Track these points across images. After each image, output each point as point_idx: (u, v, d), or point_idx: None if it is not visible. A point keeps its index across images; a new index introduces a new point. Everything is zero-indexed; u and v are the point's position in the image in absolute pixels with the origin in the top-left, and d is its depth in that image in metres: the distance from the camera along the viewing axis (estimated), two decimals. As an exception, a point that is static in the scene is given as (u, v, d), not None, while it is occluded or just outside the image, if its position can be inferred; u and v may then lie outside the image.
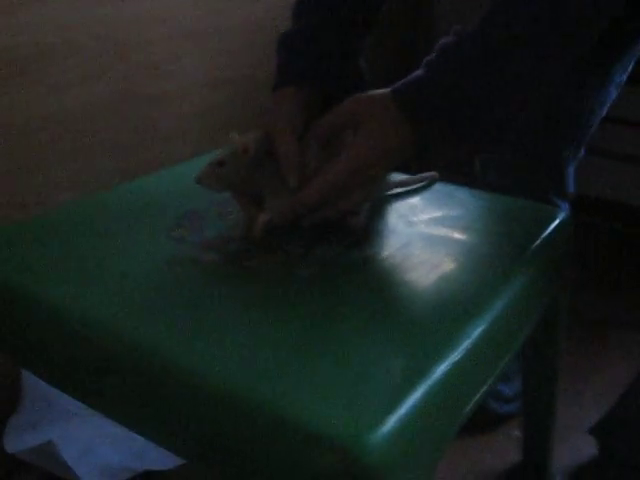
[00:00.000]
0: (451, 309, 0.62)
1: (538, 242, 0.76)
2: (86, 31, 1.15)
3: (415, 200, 0.86)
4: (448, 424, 0.56)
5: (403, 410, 0.49)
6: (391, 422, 0.47)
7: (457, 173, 0.98)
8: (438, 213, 0.82)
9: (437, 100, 0.67)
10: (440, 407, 0.54)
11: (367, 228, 0.78)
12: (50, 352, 0.66)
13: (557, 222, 0.81)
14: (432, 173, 0.92)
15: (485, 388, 0.61)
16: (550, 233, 0.79)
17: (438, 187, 0.90)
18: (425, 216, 0.81)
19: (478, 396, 0.60)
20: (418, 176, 0.91)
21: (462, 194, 0.88)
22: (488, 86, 0.66)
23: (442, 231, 0.78)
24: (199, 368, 0.54)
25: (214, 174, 0.73)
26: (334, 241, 0.74)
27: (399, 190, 0.88)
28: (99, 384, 0.62)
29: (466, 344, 0.57)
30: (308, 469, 0.47)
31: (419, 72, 0.69)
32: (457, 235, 0.77)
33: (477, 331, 0.60)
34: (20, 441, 0.96)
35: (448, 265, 0.70)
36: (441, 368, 0.54)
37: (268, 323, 0.59)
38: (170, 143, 1.33)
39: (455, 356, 0.56)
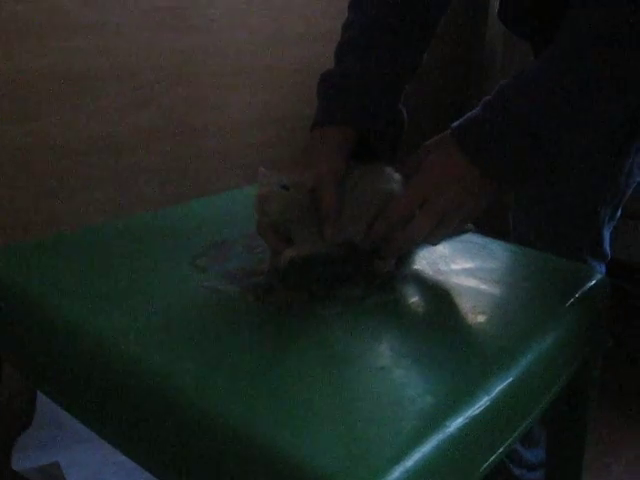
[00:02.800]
0: (472, 362, 0.59)
1: (570, 301, 0.73)
2: (139, 60, 1.18)
3: (446, 249, 0.84)
4: (460, 483, 0.53)
5: (411, 462, 0.46)
6: (396, 473, 0.45)
7: (489, 227, 0.96)
8: (469, 264, 0.80)
9: (500, 139, 0.68)
10: (452, 463, 0.51)
11: (394, 273, 0.76)
12: (60, 372, 0.65)
13: (592, 282, 0.78)
14: (468, 224, 0.90)
15: (503, 449, 0.57)
16: (584, 293, 0.76)
17: (471, 238, 0.88)
18: (455, 266, 0.79)
19: (494, 457, 0.56)
20: (452, 225, 0.89)
21: (495, 247, 0.86)
22: (548, 124, 0.67)
23: (471, 282, 0.75)
24: (203, 402, 0.52)
25: (280, 195, 0.69)
26: (359, 283, 0.72)
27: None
28: (104, 409, 0.61)
29: (485, 400, 0.55)
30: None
31: (477, 112, 0.71)
32: (486, 287, 0.75)
33: (498, 388, 0.57)
34: (27, 459, 0.95)
35: (474, 316, 0.67)
36: (457, 422, 0.51)
37: (281, 360, 0.57)
38: (211, 176, 1.34)
39: (473, 411, 0.53)
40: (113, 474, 0.99)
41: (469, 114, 0.72)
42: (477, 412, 0.53)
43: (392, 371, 0.56)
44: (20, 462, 0.95)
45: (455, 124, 0.72)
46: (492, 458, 0.56)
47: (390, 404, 0.52)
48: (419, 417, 0.51)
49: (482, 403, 0.54)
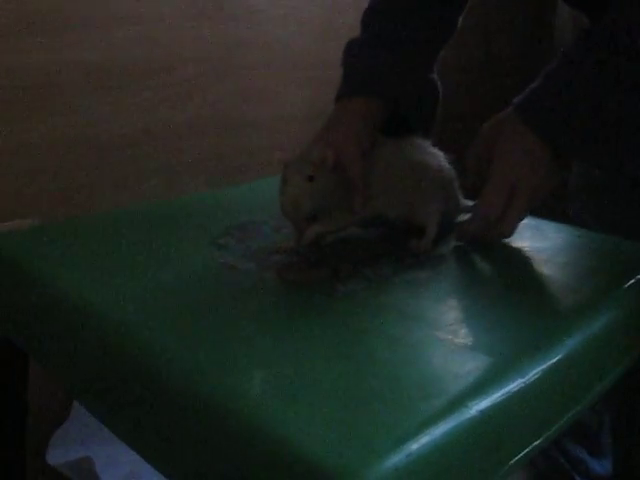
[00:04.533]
0: (499, 345, 0.51)
1: (630, 282, 0.64)
2: (182, 52, 1.16)
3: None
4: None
5: (417, 447, 0.39)
6: (395, 459, 0.38)
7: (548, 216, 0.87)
8: (517, 243, 0.72)
9: (563, 109, 0.63)
10: (471, 452, 0.43)
11: (431, 252, 0.69)
12: (63, 349, 0.61)
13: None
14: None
15: (539, 442, 0.49)
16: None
17: (524, 220, 0.80)
18: (500, 244, 0.71)
19: (527, 450, 0.48)
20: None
21: (549, 227, 0.78)
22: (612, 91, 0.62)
23: (516, 260, 0.68)
24: (190, 375, 0.47)
25: (309, 191, 0.64)
26: (389, 262, 0.66)
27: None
28: (112, 392, 0.57)
29: (511, 388, 0.47)
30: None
31: (540, 85, 0.65)
32: (535, 266, 0.67)
33: (530, 374, 0.49)
34: (61, 454, 0.93)
35: (512, 296, 0.60)
36: (480, 404, 0.44)
37: (282, 335, 0.52)
38: (258, 171, 1.30)
39: (502, 394, 0.46)
40: (149, 473, 0.96)
41: (531, 88, 0.66)
42: (507, 395, 0.46)
43: (403, 355, 0.50)
44: (54, 457, 0.93)
45: (518, 100, 0.66)
46: (524, 452, 0.48)
47: (400, 382, 0.45)
48: (434, 397, 0.44)
49: (507, 390, 0.46)
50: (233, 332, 0.52)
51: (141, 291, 0.59)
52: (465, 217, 0.77)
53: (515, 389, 0.47)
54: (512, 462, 0.47)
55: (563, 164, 0.67)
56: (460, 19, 0.80)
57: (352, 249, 0.70)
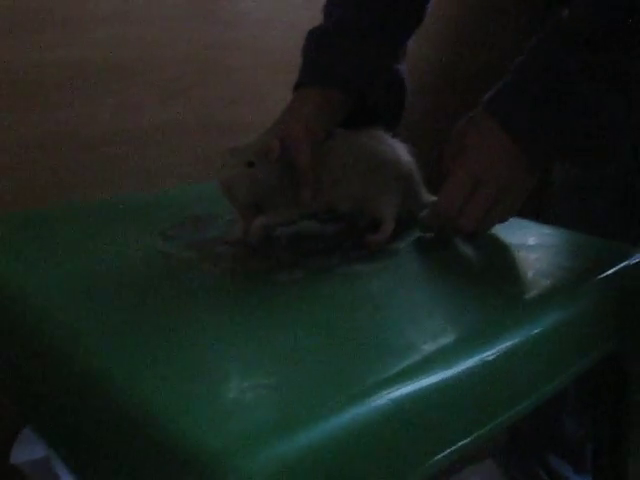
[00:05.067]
0: (424, 338, 0.47)
1: (597, 278, 0.61)
2: (168, 52, 1.15)
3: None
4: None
5: (307, 442, 0.36)
6: (282, 450, 0.35)
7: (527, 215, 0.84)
8: (483, 239, 0.69)
9: (530, 102, 0.60)
10: (372, 451, 0.40)
11: (388, 247, 0.66)
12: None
13: (628, 262, 0.65)
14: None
15: (458, 447, 0.45)
16: (617, 271, 0.63)
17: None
18: (465, 239, 0.68)
19: (444, 454, 0.44)
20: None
21: (521, 224, 0.74)
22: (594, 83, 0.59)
23: (477, 255, 0.65)
24: (90, 358, 0.45)
25: (246, 177, 0.62)
26: (336, 254, 0.63)
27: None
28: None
29: (431, 382, 0.43)
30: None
31: (508, 79, 0.63)
32: (494, 261, 0.64)
33: (459, 368, 0.45)
34: (24, 453, 0.92)
35: (459, 289, 0.57)
36: (387, 400, 0.40)
37: (191, 320, 0.49)
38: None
39: (412, 392, 0.42)
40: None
41: (501, 82, 0.63)
42: (425, 389, 0.42)
43: (329, 338, 0.47)
44: (17, 456, 0.92)
45: (488, 95, 0.64)
46: (449, 450, 0.44)
47: (310, 371, 0.42)
48: (342, 387, 0.40)
49: (435, 380, 0.43)
50: (147, 319, 0.50)
51: (69, 280, 0.57)
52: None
53: (437, 384, 0.43)
54: (432, 461, 0.43)
55: (536, 162, 0.63)
56: (428, 6, 0.77)
57: (301, 241, 0.68)
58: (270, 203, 0.66)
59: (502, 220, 0.67)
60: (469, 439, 0.46)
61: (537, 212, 0.88)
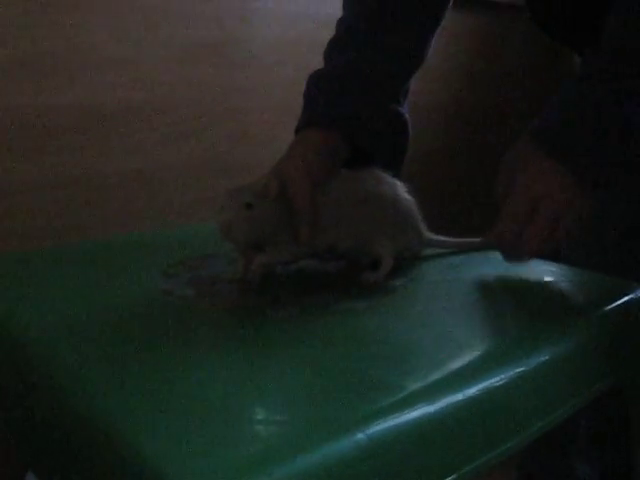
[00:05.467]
0: (419, 370, 0.48)
1: (596, 313, 0.61)
2: (177, 95, 1.18)
3: (457, 260, 0.74)
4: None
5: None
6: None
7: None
8: (474, 274, 0.69)
9: (583, 135, 0.61)
10: None
11: (384, 283, 0.66)
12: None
13: (628, 297, 0.65)
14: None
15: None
16: (616, 307, 0.63)
17: (494, 254, 0.77)
18: (464, 275, 0.68)
19: None
20: (473, 240, 0.79)
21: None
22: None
23: (473, 291, 0.65)
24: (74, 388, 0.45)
25: (245, 219, 0.63)
26: (334, 291, 0.64)
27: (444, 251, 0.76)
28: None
29: (408, 418, 0.42)
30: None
31: (555, 108, 0.64)
32: (497, 297, 0.64)
33: (451, 402, 0.45)
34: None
35: (451, 319, 0.57)
36: (364, 435, 0.40)
37: (179, 356, 0.50)
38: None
39: (390, 428, 0.41)
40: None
41: (545, 114, 0.65)
42: (403, 426, 0.42)
43: (312, 375, 0.47)
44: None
45: (532, 125, 0.65)
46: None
47: (288, 406, 0.42)
48: (318, 424, 0.40)
49: (416, 415, 0.43)
50: (140, 356, 0.50)
51: (69, 318, 0.58)
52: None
53: (426, 419, 0.43)
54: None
55: (587, 186, 0.63)
56: (428, 50, 0.79)
57: (300, 279, 0.68)
58: (270, 242, 0.66)
59: (563, 239, 0.66)
60: (459, 473, 0.45)
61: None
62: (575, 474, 0.93)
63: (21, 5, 1.01)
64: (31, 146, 1.05)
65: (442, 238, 0.76)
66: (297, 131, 0.74)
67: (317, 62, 0.78)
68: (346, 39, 0.76)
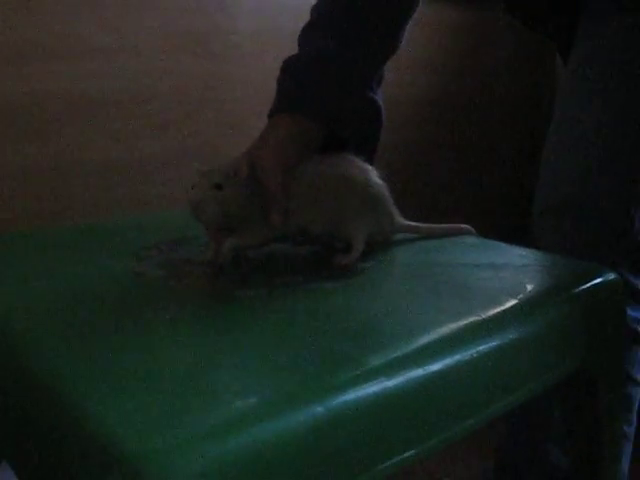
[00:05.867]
0: (381, 345, 0.48)
1: (560, 295, 0.61)
2: (158, 84, 1.18)
3: (429, 244, 0.74)
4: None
5: (228, 449, 0.36)
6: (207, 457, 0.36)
7: (511, 237, 0.84)
8: (446, 257, 0.69)
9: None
10: (296, 463, 0.40)
11: (355, 265, 0.67)
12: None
13: (597, 280, 0.65)
14: (465, 226, 0.80)
15: (382, 467, 0.44)
16: (584, 290, 0.63)
17: (468, 239, 0.78)
18: (426, 257, 0.69)
19: (383, 467, 0.44)
20: (446, 226, 0.79)
21: (493, 245, 0.75)
22: None
23: (443, 272, 0.65)
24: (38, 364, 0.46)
25: (214, 198, 0.64)
26: (303, 273, 0.64)
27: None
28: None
29: (365, 392, 0.43)
30: None
31: None
32: (464, 278, 0.64)
33: (407, 378, 0.45)
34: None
35: (418, 299, 0.57)
36: (319, 410, 0.40)
37: (139, 332, 0.50)
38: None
39: (347, 402, 0.42)
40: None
41: None
42: (359, 401, 0.42)
43: (274, 349, 0.47)
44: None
45: None
46: (387, 464, 0.44)
47: (245, 378, 0.43)
48: (278, 395, 0.41)
49: (370, 390, 0.43)
50: (105, 333, 0.50)
51: (39, 298, 0.58)
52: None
53: (376, 394, 0.43)
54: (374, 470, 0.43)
55: None
56: (402, 35, 0.79)
57: (272, 262, 0.68)
58: (241, 225, 0.67)
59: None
60: (417, 449, 0.46)
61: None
62: (549, 459, 0.94)
63: (3, -7, 1.01)
64: (13, 133, 1.05)
65: (414, 224, 0.77)
66: (270, 116, 0.74)
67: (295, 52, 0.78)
68: (319, 25, 0.76)
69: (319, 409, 0.40)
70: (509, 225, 1.67)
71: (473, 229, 0.80)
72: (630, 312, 0.87)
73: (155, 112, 1.18)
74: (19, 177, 1.06)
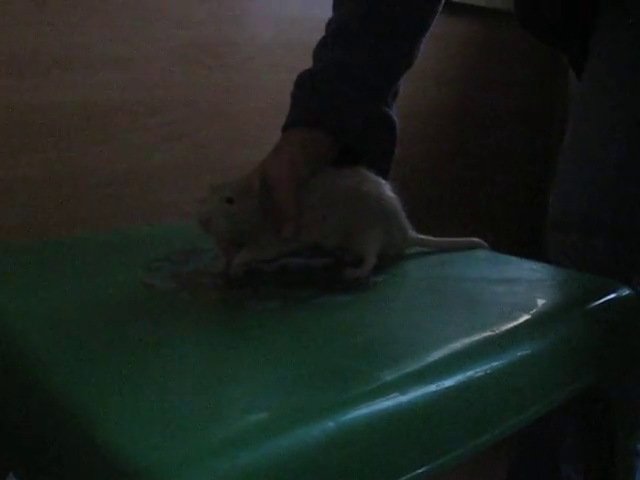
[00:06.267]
0: (393, 361, 0.47)
1: (573, 311, 0.61)
2: (170, 95, 1.18)
3: (441, 258, 0.74)
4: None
5: (238, 464, 0.36)
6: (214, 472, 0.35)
7: (525, 252, 0.83)
8: (458, 271, 0.69)
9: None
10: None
11: (366, 280, 0.66)
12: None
13: (611, 296, 0.64)
14: (477, 239, 0.79)
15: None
16: (598, 306, 0.63)
17: (480, 253, 0.77)
18: (439, 271, 0.68)
19: None
20: (459, 240, 0.79)
21: (506, 260, 0.75)
22: None
23: (456, 287, 0.64)
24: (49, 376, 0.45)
25: (224, 213, 0.63)
26: (315, 286, 0.64)
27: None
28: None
29: (391, 406, 0.43)
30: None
31: None
32: (472, 292, 0.63)
33: (419, 394, 0.45)
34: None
35: (431, 313, 0.57)
36: (330, 427, 0.40)
37: (154, 346, 0.50)
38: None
39: (357, 420, 0.41)
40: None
41: None
42: (372, 418, 0.42)
43: (283, 364, 0.46)
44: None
45: None
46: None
47: (257, 391, 0.42)
48: (289, 411, 0.40)
49: (382, 407, 0.42)
50: (113, 345, 0.50)
51: (49, 308, 0.58)
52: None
53: (398, 410, 0.43)
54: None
55: None
56: (418, 49, 0.78)
57: (284, 275, 0.68)
58: (252, 240, 0.67)
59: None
60: (429, 466, 0.45)
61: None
62: (560, 475, 0.92)
63: (17, 4, 1.02)
64: (23, 144, 1.05)
65: (427, 237, 0.76)
66: (284, 130, 0.74)
67: (309, 65, 0.78)
68: (335, 39, 0.76)
69: (330, 424, 0.40)
70: (522, 239, 1.66)
71: (486, 243, 0.79)
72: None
73: (166, 123, 1.18)
74: (29, 187, 1.06)
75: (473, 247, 0.78)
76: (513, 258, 0.75)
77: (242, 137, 1.29)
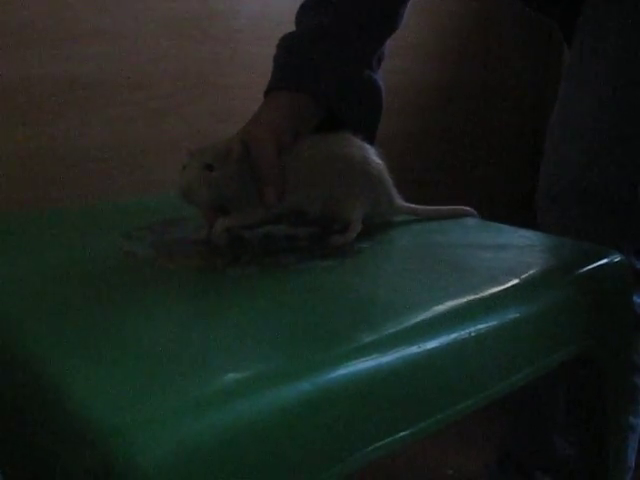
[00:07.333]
0: (375, 326, 0.45)
1: (563, 276, 0.59)
2: (157, 69, 1.16)
3: (429, 226, 0.72)
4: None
5: (208, 426, 0.35)
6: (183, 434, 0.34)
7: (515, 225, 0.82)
8: (446, 238, 0.67)
9: None
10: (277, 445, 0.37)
11: (352, 247, 0.65)
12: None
13: (603, 262, 0.63)
14: (467, 208, 0.77)
15: (374, 448, 0.42)
16: (588, 271, 0.61)
17: (469, 221, 0.76)
18: (426, 238, 0.67)
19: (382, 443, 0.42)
20: (448, 208, 0.77)
21: (496, 227, 0.73)
22: None
23: (444, 252, 0.63)
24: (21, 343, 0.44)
25: (205, 180, 0.62)
26: (298, 252, 0.62)
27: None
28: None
29: (371, 367, 0.41)
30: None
31: None
32: (459, 258, 0.62)
33: (400, 355, 0.43)
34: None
35: (417, 278, 0.55)
36: (302, 388, 0.38)
37: (125, 309, 0.48)
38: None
39: (340, 382, 0.40)
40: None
41: None
42: (346, 381, 0.40)
43: (256, 329, 0.45)
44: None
45: None
46: (386, 441, 0.42)
47: (232, 354, 0.41)
48: (261, 374, 0.39)
49: (354, 371, 0.41)
50: (88, 310, 0.49)
51: (27, 277, 0.56)
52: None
53: (368, 371, 0.41)
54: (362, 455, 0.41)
55: None
56: (402, 14, 0.76)
57: (268, 242, 0.67)
58: (235, 205, 0.65)
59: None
60: (410, 430, 0.44)
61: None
62: (554, 449, 0.92)
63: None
64: (7, 117, 1.03)
65: (414, 206, 0.74)
66: (266, 94, 0.72)
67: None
68: (318, 3, 0.74)
69: (306, 385, 0.38)
70: (512, 213, 1.64)
71: (475, 212, 0.78)
72: (636, 299, 0.85)
73: (154, 97, 1.16)
74: (14, 162, 1.04)
75: (462, 215, 0.77)
76: (503, 226, 0.74)
77: (230, 111, 1.26)
